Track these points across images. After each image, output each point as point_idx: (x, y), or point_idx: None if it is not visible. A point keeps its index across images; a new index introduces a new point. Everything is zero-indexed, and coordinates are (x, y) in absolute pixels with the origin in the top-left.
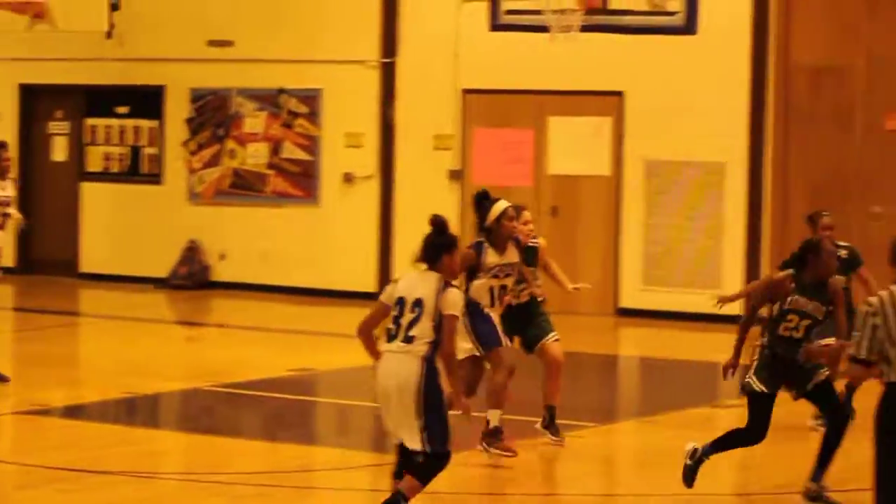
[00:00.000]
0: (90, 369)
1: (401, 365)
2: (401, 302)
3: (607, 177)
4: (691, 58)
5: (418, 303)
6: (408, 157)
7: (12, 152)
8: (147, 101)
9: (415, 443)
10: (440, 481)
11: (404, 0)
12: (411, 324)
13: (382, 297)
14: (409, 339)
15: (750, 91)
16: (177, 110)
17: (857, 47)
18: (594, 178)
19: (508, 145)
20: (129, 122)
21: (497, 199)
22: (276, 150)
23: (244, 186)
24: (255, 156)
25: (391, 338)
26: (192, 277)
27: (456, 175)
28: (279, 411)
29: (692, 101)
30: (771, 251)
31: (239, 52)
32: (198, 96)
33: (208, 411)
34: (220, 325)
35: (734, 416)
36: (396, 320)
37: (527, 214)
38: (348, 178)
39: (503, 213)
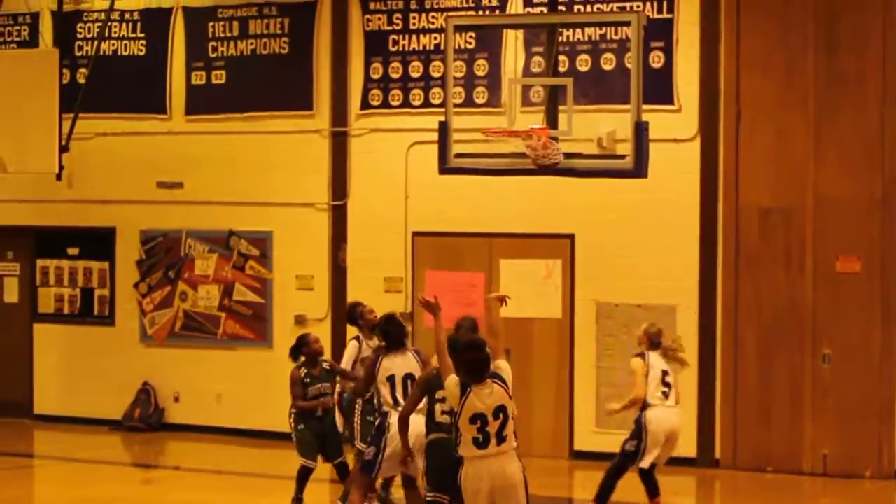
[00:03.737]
0: None
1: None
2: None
3: (559, 319)
4: (641, 199)
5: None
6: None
7: None
8: (98, 242)
9: None
10: None
11: (354, 143)
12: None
13: None
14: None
15: (700, 232)
16: (128, 252)
17: (805, 189)
18: (546, 321)
19: (459, 287)
20: (80, 264)
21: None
22: (227, 292)
23: (196, 329)
24: (206, 298)
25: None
26: (147, 419)
27: (407, 318)
28: None
29: (643, 242)
30: (723, 392)
31: (189, 194)
32: (148, 238)
33: None
34: (176, 467)
35: None
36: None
37: None
38: (300, 321)
39: None
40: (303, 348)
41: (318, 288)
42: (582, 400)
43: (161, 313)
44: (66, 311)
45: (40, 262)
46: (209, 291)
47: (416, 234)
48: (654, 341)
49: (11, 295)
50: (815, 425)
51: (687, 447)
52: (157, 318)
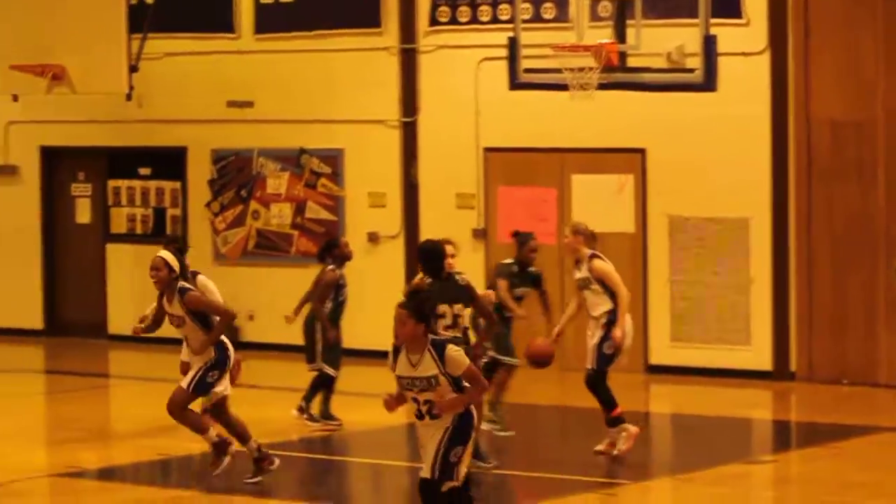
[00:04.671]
0: (122, 431)
1: None
2: None
3: (631, 234)
4: (712, 114)
5: None
6: (432, 216)
7: (35, 215)
8: (169, 162)
9: None
10: None
11: (423, 59)
12: None
13: None
14: None
15: (771, 146)
16: (199, 171)
17: (875, 103)
18: (618, 235)
19: (532, 203)
20: (152, 184)
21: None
22: (299, 210)
23: (269, 247)
24: (279, 216)
25: None
26: None
27: (480, 234)
28: (312, 471)
29: (714, 156)
30: (797, 305)
31: (259, 113)
32: (220, 157)
33: (242, 472)
34: (251, 385)
35: (768, 471)
36: None
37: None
38: (373, 238)
39: None
40: (334, 250)
41: (389, 205)
42: (656, 314)
43: (234, 232)
44: (138, 231)
45: (112, 183)
46: (281, 210)
47: (487, 150)
48: (593, 238)
49: (84, 216)
50: (889, 337)
51: (762, 360)
52: (230, 237)
